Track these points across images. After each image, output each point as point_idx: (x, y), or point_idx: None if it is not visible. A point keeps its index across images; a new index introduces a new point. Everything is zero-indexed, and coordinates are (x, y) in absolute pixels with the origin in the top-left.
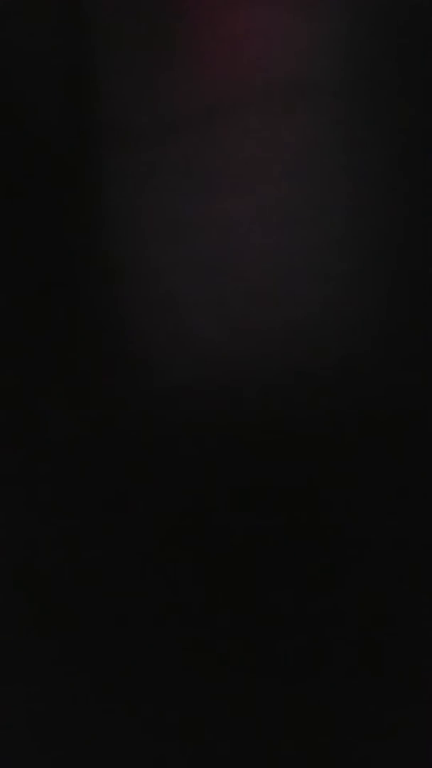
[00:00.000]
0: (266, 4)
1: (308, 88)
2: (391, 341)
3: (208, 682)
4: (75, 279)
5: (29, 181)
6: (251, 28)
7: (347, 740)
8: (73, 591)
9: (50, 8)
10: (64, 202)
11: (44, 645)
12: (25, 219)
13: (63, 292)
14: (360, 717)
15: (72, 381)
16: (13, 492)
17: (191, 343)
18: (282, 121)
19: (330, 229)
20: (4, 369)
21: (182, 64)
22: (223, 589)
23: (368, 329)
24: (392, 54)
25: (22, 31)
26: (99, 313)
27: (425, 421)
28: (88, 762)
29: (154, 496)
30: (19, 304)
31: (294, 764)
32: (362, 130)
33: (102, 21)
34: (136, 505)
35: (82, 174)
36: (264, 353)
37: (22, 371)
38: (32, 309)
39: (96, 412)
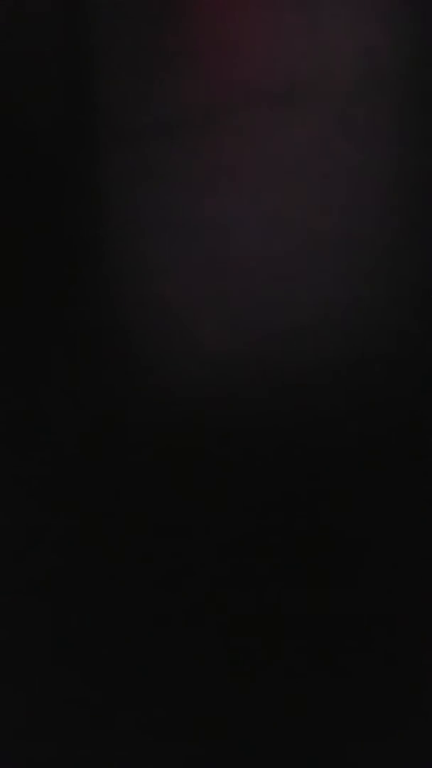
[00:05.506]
0: (266, 4)
1: (308, 89)
2: (394, 344)
3: (209, 681)
4: (73, 279)
5: (28, 180)
6: (251, 29)
7: (348, 740)
8: (73, 589)
9: (50, 7)
10: (63, 201)
11: (44, 643)
12: (24, 218)
13: (61, 293)
14: (361, 717)
15: (72, 382)
16: (14, 491)
17: (190, 344)
18: (282, 122)
19: (330, 230)
20: (5, 369)
21: (182, 64)
22: (223, 589)
23: (370, 332)
24: (393, 53)
25: (22, 30)
26: (98, 314)
27: (427, 424)
28: (88, 760)
29: (153, 496)
30: (18, 304)
31: (294, 764)
32: (363, 130)
33: (102, 20)
34: (135, 505)
35: (81, 173)
36: (263, 354)
37: (22, 371)
38: (31, 309)
39: (96, 413)
